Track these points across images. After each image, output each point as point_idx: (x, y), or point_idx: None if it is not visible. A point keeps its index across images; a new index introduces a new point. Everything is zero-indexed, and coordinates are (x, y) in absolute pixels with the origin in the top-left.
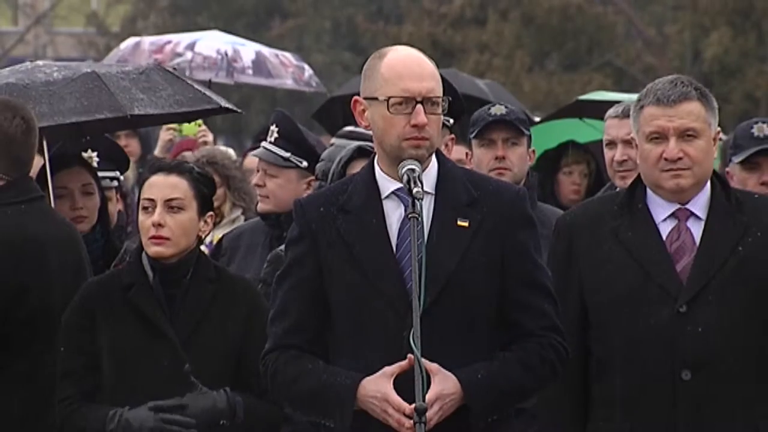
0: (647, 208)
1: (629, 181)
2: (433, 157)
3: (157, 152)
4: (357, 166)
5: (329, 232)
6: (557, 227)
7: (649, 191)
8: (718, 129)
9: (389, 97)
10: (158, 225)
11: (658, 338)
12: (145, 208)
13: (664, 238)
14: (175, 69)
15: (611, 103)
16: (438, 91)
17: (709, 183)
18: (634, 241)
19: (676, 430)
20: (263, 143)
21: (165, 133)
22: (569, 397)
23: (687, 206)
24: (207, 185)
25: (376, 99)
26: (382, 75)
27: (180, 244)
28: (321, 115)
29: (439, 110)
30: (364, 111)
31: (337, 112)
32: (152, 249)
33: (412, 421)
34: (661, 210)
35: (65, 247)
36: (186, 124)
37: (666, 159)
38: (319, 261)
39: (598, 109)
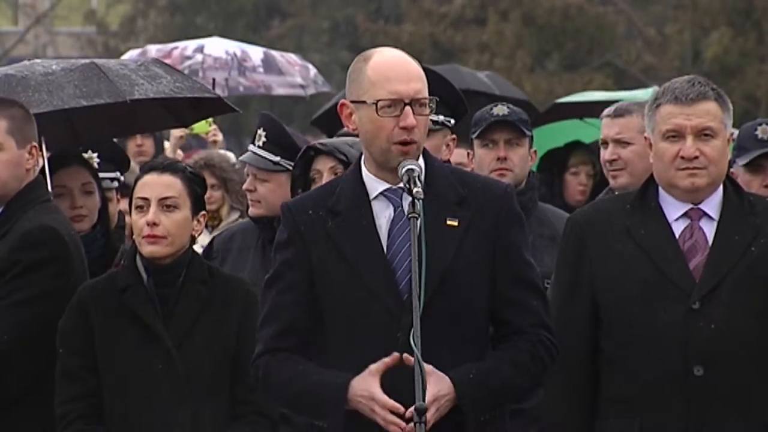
0: (660, 207)
1: (620, 180)
2: (421, 157)
3: (168, 151)
4: (320, 163)
5: (319, 235)
6: (568, 225)
7: (661, 191)
8: (732, 131)
9: (378, 100)
10: (153, 224)
11: (671, 334)
12: (138, 207)
13: (676, 236)
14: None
15: (592, 104)
16: (425, 92)
17: (721, 184)
18: (647, 239)
19: (688, 425)
20: (251, 147)
21: (176, 131)
22: (578, 395)
23: (700, 206)
24: (199, 185)
25: (363, 102)
26: (369, 78)
27: (175, 243)
28: (323, 121)
29: (427, 111)
30: (351, 114)
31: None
32: (147, 248)
33: (396, 417)
34: (673, 209)
35: None
36: (197, 124)
37: (682, 157)
38: (310, 264)
39: (579, 112)
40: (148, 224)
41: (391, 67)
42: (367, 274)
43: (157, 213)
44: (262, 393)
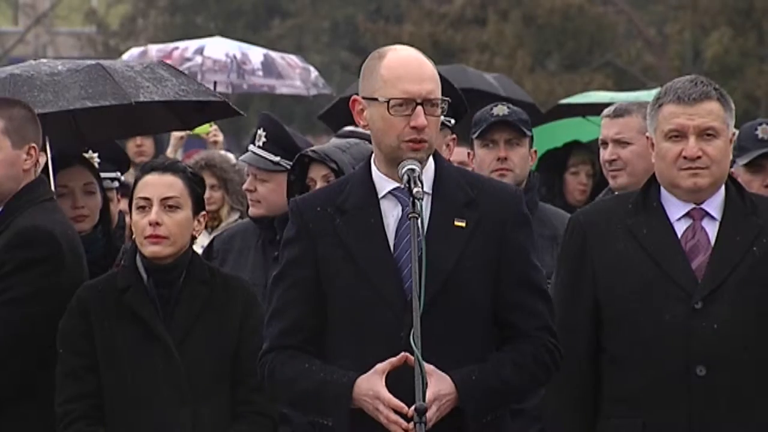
0: (662, 207)
1: (620, 180)
2: (430, 157)
3: (169, 151)
4: (313, 171)
5: (327, 232)
6: (570, 225)
7: (663, 190)
8: (734, 131)
9: (389, 99)
10: (155, 224)
11: (673, 334)
12: (140, 208)
13: (678, 236)
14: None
15: (595, 106)
16: (437, 92)
17: (723, 184)
18: (649, 239)
19: (690, 425)
20: (251, 147)
21: (177, 132)
22: (579, 394)
23: (702, 206)
24: (200, 185)
25: (375, 100)
26: (382, 76)
27: (177, 243)
28: (329, 116)
29: (438, 112)
30: (362, 110)
31: (346, 113)
32: (149, 249)
33: (399, 417)
34: (675, 209)
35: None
36: None
37: (685, 157)
38: (317, 261)
39: (582, 112)
40: (150, 224)
41: (404, 66)
42: (372, 272)
43: (160, 213)
44: (268, 390)
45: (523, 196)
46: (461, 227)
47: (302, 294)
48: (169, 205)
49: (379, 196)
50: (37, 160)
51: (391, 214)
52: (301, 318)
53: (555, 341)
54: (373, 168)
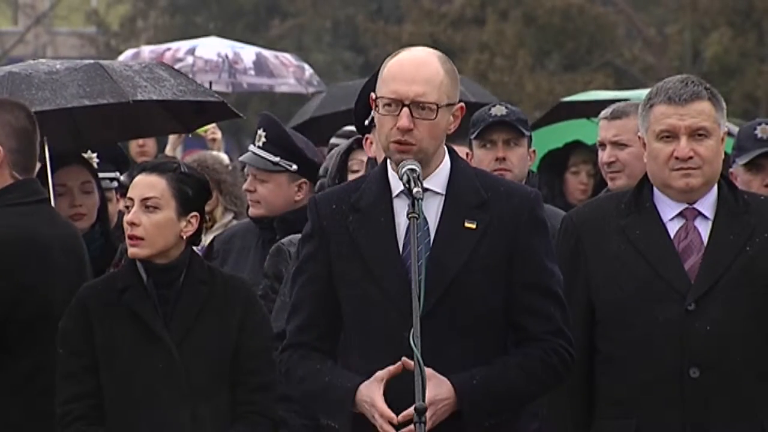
0: (654, 207)
1: (618, 183)
2: (446, 157)
3: (168, 150)
4: (356, 157)
5: (339, 230)
6: (563, 225)
7: (656, 190)
8: (726, 129)
9: (377, 98)
10: (132, 224)
11: (667, 336)
12: (126, 208)
13: (671, 236)
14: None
15: (597, 103)
16: (431, 96)
17: (716, 183)
18: (642, 239)
19: (684, 428)
20: (251, 147)
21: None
22: (574, 395)
23: (695, 206)
24: (193, 185)
25: (377, 99)
26: (382, 75)
27: (156, 244)
28: (301, 131)
29: (433, 116)
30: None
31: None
32: (129, 250)
33: (392, 428)
34: (668, 209)
35: (68, 250)
36: None
37: (677, 158)
38: (329, 258)
39: (585, 111)
40: (128, 224)
41: (401, 67)
42: (380, 271)
43: (138, 213)
44: (285, 386)
45: (539, 199)
46: (471, 229)
47: (316, 290)
48: (147, 205)
49: (393, 195)
50: (4, 160)
51: (403, 213)
52: (315, 315)
53: (567, 345)
54: (389, 167)
